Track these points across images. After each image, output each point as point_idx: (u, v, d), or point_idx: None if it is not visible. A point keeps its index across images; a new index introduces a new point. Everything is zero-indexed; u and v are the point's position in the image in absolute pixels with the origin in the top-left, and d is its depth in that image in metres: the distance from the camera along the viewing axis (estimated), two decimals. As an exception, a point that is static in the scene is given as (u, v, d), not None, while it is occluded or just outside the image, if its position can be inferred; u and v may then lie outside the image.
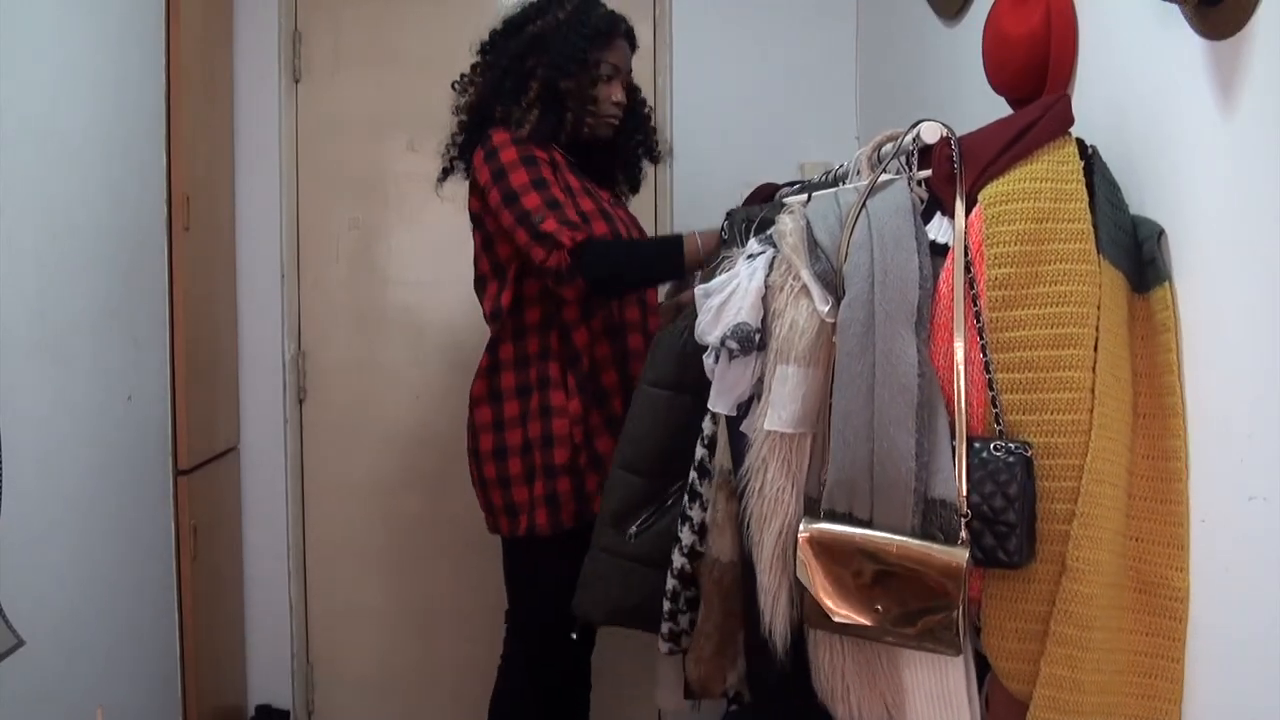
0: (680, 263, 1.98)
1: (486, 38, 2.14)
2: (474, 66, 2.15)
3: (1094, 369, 1.23)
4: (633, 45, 2.17)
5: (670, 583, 1.77)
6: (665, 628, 1.80)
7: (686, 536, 1.74)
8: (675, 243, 2.01)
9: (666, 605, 1.78)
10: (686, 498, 1.74)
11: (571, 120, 2.06)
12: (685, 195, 2.79)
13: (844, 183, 1.61)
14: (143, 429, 2.13)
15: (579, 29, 2.06)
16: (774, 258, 1.49)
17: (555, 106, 2.04)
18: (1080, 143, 1.34)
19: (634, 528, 1.84)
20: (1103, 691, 1.25)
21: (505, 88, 2.05)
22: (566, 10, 2.07)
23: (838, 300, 1.37)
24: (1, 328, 1.59)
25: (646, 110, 2.28)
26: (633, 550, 1.84)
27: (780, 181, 2.29)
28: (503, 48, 2.10)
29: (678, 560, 1.75)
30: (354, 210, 2.80)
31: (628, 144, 2.24)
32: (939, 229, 1.40)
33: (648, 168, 2.35)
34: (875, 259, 1.34)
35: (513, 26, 2.11)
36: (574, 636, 1.98)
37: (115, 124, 2.02)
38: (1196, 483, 1.23)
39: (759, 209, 1.85)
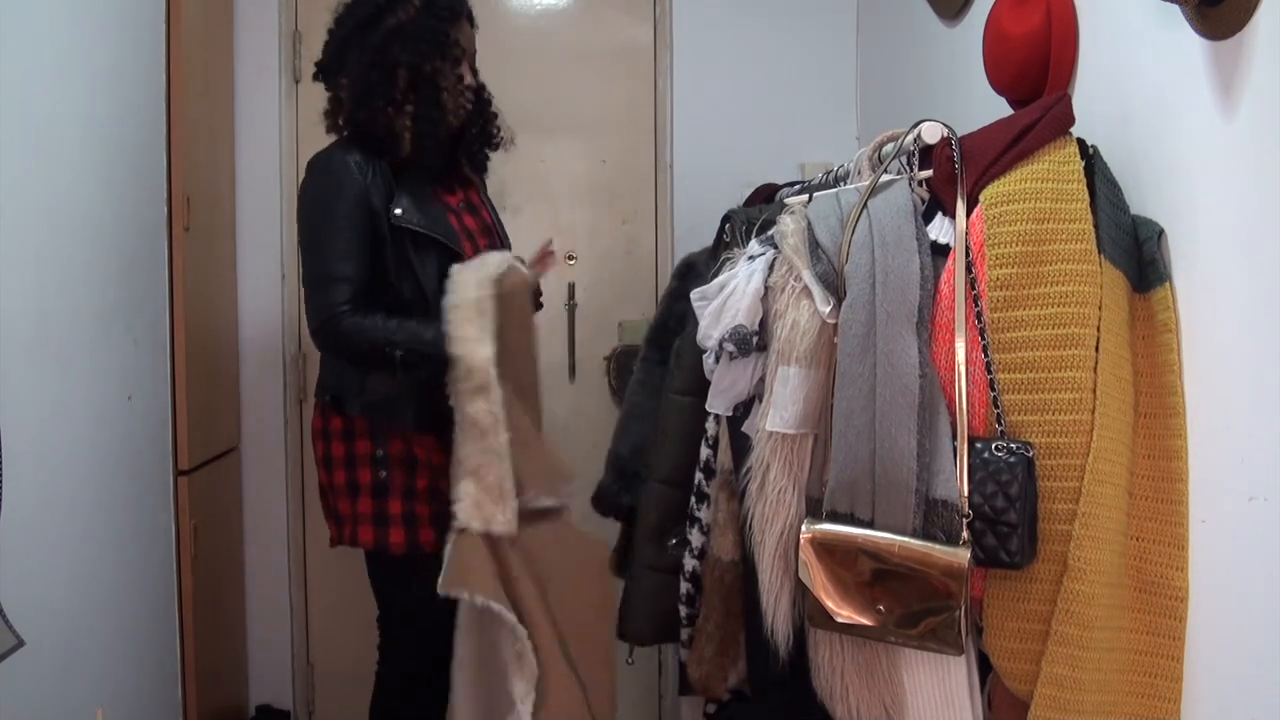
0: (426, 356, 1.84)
1: (327, 43, 2.03)
2: (325, 68, 2.04)
3: (1095, 369, 1.23)
4: (473, 25, 2.09)
5: (683, 586, 1.76)
6: (684, 633, 1.79)
7: (696, 538, 1.73)
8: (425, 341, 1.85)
9: (683, 610, 1.77)
10: (694, 499, 1.73)
11: (447, 106, 1.97)
12: (686, 196, 2.79)
13: (845, 183, 1.61)
14: (143, 429, 2.13)
15: (434, 11, 1.97)
16: (774, 259, 1.50)
17: (429, 96, 1.95)
18: (1081, 143, 1.34)
19: (673, 540, 1.81)
20: (1103, 690, 1.25)
21: (373, 81, 1.94)
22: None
23: (839, 301, 1.37)
24: (1, 328, 1.58)
25: (486, 95, 2.13)
26: (674, 563, 1.81)
27: (780, 182, 2.29)
28: (359, 44, 1.97)
29: (689, 563, 1.74)
30: (354, 210, 2.79)
31: (468, 133, 2.10)
32: (940, 229, 1.40)
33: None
34: (876, 260, 1.34)
35: (365, 22, 1.97)
36: (630, 661, 1.94)
37: (115, 124, 2.01)
38: (1197, 483, 1.23)
39: (759, 210, 1.85)
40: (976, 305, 1.29)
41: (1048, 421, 1.24)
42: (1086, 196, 1.29)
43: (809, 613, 1.37)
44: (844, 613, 1.33)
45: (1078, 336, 1.24)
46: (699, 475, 1.73)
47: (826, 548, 1.33)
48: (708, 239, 2.08)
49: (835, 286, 1.38)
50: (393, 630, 2.12)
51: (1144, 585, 1.26)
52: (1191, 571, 1.24)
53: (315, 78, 2.07)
